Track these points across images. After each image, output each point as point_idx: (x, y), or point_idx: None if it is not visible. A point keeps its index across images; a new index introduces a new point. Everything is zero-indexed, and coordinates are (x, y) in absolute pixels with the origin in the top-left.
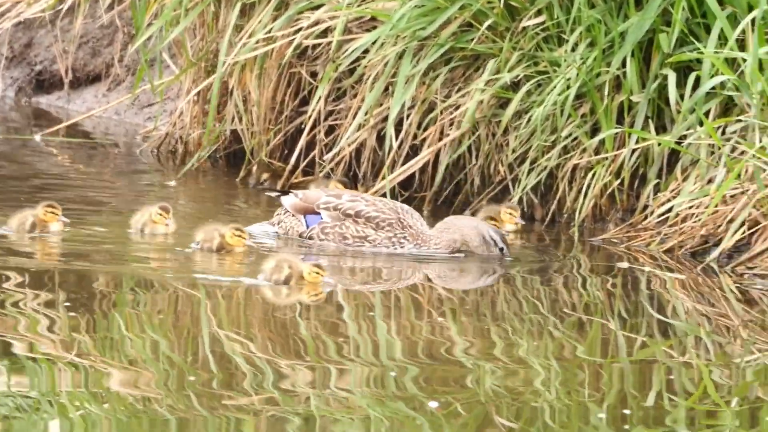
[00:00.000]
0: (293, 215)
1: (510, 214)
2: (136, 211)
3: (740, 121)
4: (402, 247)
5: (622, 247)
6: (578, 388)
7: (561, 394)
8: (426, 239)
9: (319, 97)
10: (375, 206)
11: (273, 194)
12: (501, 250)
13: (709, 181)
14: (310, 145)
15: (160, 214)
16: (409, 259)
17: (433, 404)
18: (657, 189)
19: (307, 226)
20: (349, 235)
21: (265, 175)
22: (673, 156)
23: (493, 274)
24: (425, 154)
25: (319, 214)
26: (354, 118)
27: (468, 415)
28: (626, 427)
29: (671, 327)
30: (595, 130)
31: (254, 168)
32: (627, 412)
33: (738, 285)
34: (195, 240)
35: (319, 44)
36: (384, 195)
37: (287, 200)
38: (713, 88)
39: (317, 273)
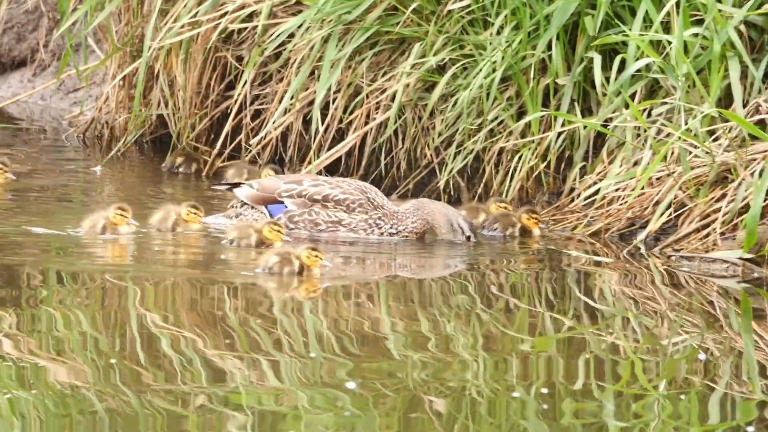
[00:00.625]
0: (252, 207)
1: (534, 218)
2: (157, 210)
3: (666, 103)
4: (380, 229)
5: (548, 230)
6: (506, 373)
7: (489, 378)
8: (401, 218)
9: (245, 82)
10: (341, 188)
11: (222, 187)
12: (468, 238)
13: (635, 164)
14: (237, 130)
15: (194, 213)
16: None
17: (351, 385)
18: (583, 172)
19: (272, 217)
20: (321, 221)
21: (179, 159)
22: (599, 139)
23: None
24: (351, 138)
25: (281, 203)
26: (280, 102)
27: (396, 398)
28: (554, 411)
29: (599, 310)
30: (521, 113)
31: (173, 152)
32: (555, 396)
33: (665, 267)
34: (228, 238)
35: (245, 28)
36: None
37: (242, 192)
38: (639, 70)
39: (316, 256)
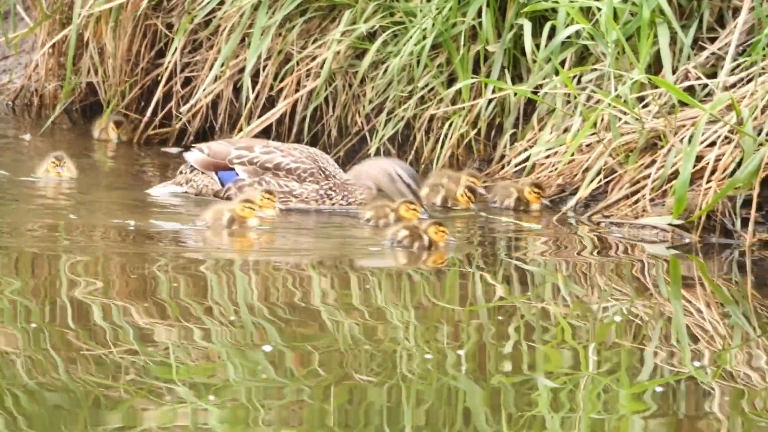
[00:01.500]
0: (203, 173)
1: (537, 192)
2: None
3: (595, 70)
4: (331, 200)
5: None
6: (437, 336)
7: (420, 342)
8: (351, 189)
9: (175, 49)
10: (292, 156)
11: (173, 150)
12: (409, 186)
13: (565, 131)
14: (167, 97)
15: (268, 198)
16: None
17: (267, 348)
18: (514, 139)
19: (223, 185)
20: (273, 190)
21: (110, 126)
22: (530, 106)
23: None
24: (282, 106)
25: (232, 170)
26: (210, 69)
27: (326, 364)
28: (484, 374)
29: (529, 275)
30: (451, 81)
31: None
32: (485, 359)
33: (595, 233)
34: (365, 217)
35: None
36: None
37: (192, 156)
38: (568, 37)
39: (442, 231)
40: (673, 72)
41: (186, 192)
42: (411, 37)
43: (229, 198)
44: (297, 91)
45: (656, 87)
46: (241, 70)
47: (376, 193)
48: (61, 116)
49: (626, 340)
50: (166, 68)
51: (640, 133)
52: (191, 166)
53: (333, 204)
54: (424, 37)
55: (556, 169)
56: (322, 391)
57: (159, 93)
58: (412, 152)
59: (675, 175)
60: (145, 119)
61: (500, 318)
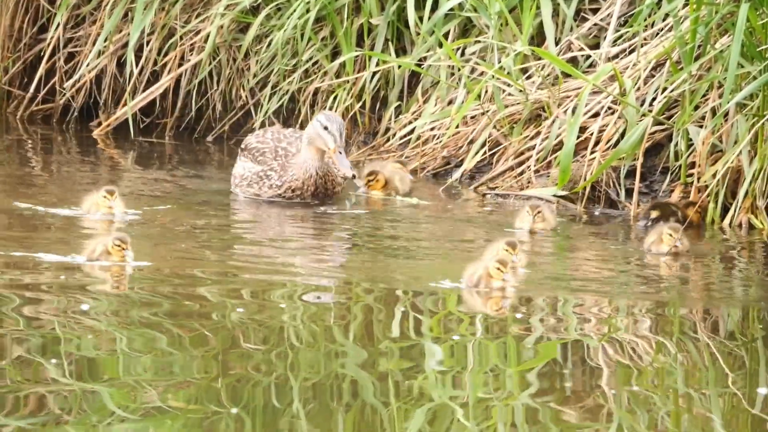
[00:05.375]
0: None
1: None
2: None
3: (479, 42)
4: (269, 180)
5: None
6: (324, 316)
7: (306, 321)
8: (287, 169)
9: (58, 24)
10: (260, 138)
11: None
12: (330, 133)
13: (450, 103)
14: (50, 73)
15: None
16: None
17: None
18: (398, 111)
19: None
20: (238, 174)
21: None
22: (414, 78)
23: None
24: (166, 80)
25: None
26: (94, 44)
27: (215, 339)
28: (374, 356)
29: (414, 250)
30: (335, 54)
31: None
32: (374, 341)
33: (480, 205)
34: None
35: None
36: (126, 121)
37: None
38: (451, 9)
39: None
40: (556, 43)
41: None
42: (295, 11)
43: None
44: (181, 65)
45: (539, 58)
46: (125, 45)
47: (317, 169)
48: None
49: (512, 311)
50: (49, 44)
51: (525, 105)
52: None
53: (270, 186)
54: (308, 11)
55: (440, 141)
56: (211, 365)
57: (42, 69)
58: (297, 126)
59: (559, 146)
60: (29, 95)
61: (385, 294)
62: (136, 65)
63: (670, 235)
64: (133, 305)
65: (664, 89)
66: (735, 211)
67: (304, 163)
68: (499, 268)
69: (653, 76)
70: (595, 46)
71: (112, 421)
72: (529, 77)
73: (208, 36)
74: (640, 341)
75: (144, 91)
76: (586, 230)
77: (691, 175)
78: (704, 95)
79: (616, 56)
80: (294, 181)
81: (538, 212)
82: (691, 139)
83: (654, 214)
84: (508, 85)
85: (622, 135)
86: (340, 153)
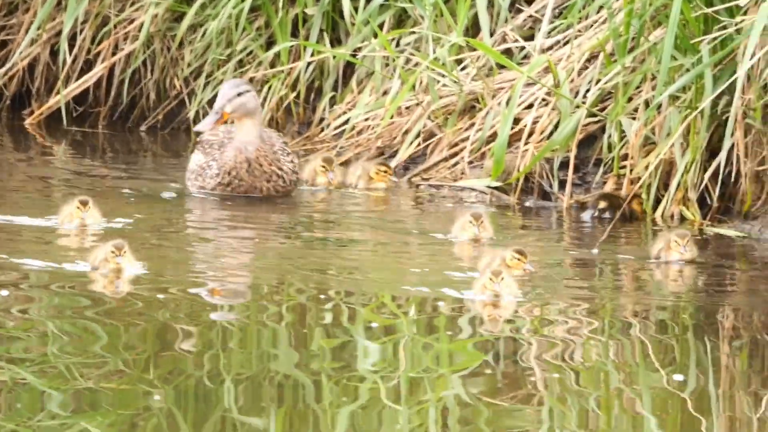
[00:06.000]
0: None
1: (384, 172)
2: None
3: (414, 32)
4: (210, 169)
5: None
6: (254, 303)
7: (240, 313)
8: (223, 151)
9: None
10: (217, 130)
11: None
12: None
13: (384, 93)
14: None
15: (323, 167)
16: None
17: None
18: (333, 102)
19: None
20: (189, 168)
21: None
22: (349, 68)
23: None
24: (99, 69)
25: None
26: (26, 32)
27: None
28: (306, 340)
29: (348, 240)
30: (270, 44)
31: None
32: (305, 325)
33: (415, 195)
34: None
35: None
36: (59, 110)
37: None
38: (387, 0)
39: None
40: (491, 35)
41: None
42: (229, 0)
43: None
44: (115, 54)
45: (474, 50)
46: (58, 33)
47: (246, 145)
48: None
49: (446, 293)
50: None
51: (459, 96)
52: None
53: (212, 176)
54: (243, 0)
55: (375, 132)
56: (142, 362)
57: None
58: None
59: (493, 137)
60: None
61: (319, 280)
62: (70, 54)
63: (677, 242)
64: (59, 299)
65: (598, 81)
66: (667, 203)
67: (236, 142)
68: (491, 278)
69: (587, 68)
70: (530, 38)
71: (42, 417)
72: (463, 68)
73: (142, 25)
74: (574, 338)
75: (77, 79)
76: (531, 237)
77: (624, 167)
78: (637, 87)
79: (550, 48)
80: (227, 162)
81: (482, 222)
82: (624, 131)
83: (602, 204)
84: (443, 76)
85: (556, 127)
86: (215, 113)
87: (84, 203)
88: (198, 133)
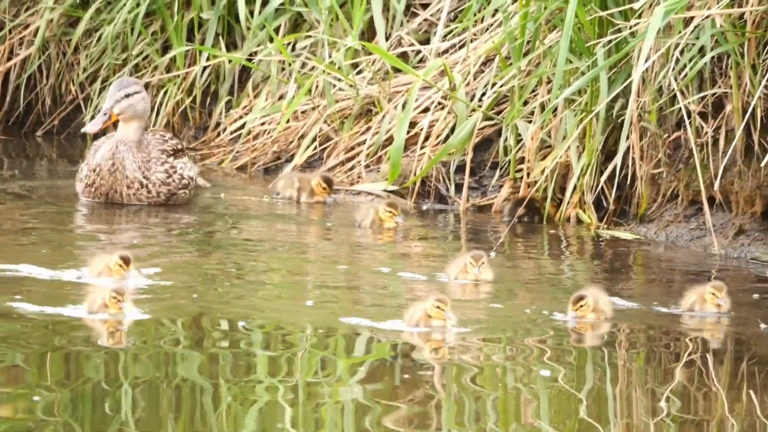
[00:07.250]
0: None
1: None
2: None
3: (309, 37)
4: (81, 173)
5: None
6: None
7: (202, 307)
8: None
9: None
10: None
11: None
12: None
13: (281, 98)
14: None
15: (389, 212)
16: None
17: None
18: (229, 106)
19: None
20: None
21: None
22: (245, 73)
23: None
24: None
25: None
26: None
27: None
28: (203, 339)
29: (245, 244)
30: (166, 48)
31: None
32: (202, 327)
33: (312, 200)
34: None
35: None
36: None
37: None
38: (282, 4)
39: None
40: (387, 38)
41: None
42: (125, 5)
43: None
44: (10, 59)
45: (370, 53)
46: None
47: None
48: None
49: (340, 280)
50: None
51: (355, 100)
52: None
53: (81, 179)
54: (138, 5)
55: (271, 136)
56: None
57: None
58: None
59: (390, 141)
60: None
61: (216, 281)
62: None
63: (713, 294)
64: None
65: (494, 84)
66: (564, 206)
67: (112, 140)
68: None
69: (483, 71)
70: (426, 42)
71: None
72: (359, 72)
73: (37, 30)
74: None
75: None
76: (430, 242)
77: (521, 170)
78: (533, 91)
79: (446, 51)
80: (95, 161)
81: (483, 263)
82: (520, 135)
83: (520, 211)
84: (339, 80)
85: (452, 130)
86: (104, 114)
87: None
88: (87, 135)
